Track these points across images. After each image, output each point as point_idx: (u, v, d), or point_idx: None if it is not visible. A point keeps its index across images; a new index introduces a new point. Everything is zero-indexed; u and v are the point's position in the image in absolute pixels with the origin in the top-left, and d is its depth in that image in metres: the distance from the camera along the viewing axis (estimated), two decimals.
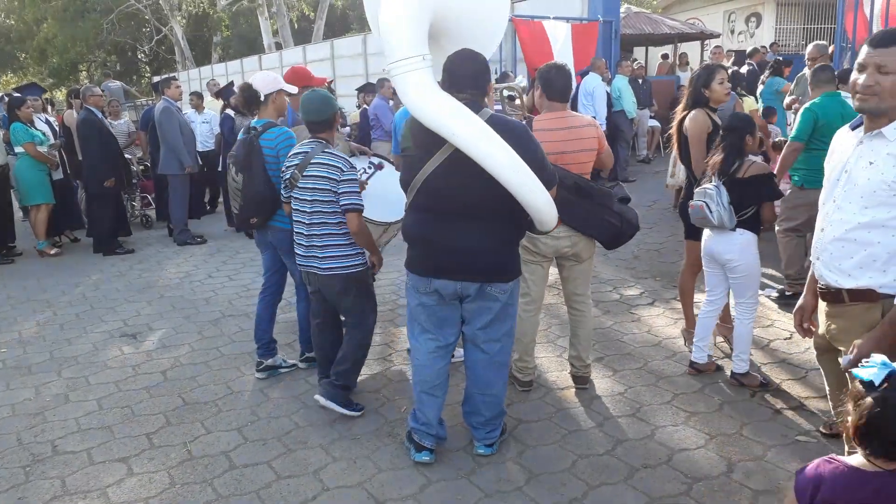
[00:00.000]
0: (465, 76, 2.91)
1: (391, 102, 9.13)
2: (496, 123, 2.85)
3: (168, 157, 7.80)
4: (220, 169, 8.68)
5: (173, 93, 7.95)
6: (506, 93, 4.40)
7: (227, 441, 3.42)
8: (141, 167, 9.24)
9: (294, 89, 4.28)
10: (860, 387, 1.64)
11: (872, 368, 1.63)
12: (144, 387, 4.10)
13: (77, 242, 8.32)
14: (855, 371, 1.66)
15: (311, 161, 3.45)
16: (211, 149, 9.08)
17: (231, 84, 10.39)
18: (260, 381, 4.09)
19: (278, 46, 22.58)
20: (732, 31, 17.91)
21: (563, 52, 9.53)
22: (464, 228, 2.90)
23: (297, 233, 3.58)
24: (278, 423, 3.59)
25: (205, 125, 9.06)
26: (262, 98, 4.01)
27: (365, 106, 10.00)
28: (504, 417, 3.29)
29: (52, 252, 7.64)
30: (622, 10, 12.61)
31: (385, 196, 4.26)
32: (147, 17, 28.59)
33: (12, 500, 3.01)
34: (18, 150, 7.39)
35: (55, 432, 3.59)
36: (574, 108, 9.55)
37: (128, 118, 10.27)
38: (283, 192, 3.66)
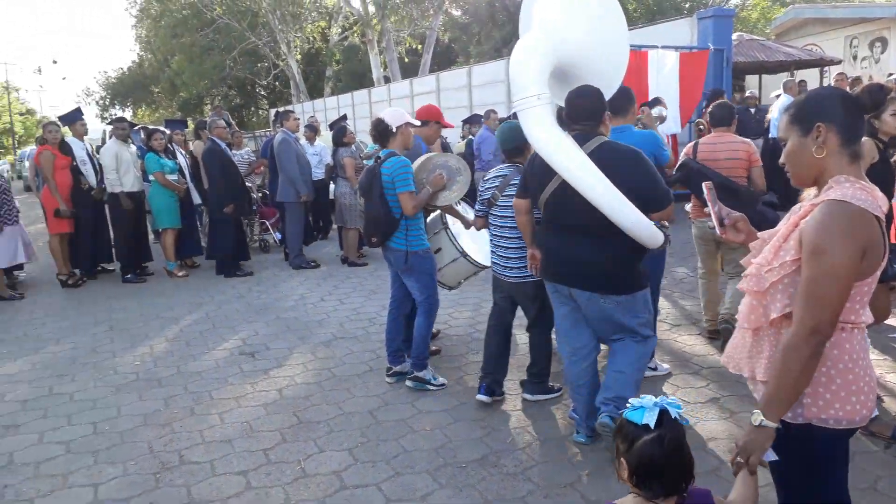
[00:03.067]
0: (579, 110, 3.33)
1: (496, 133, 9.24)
2: (609, 150, 3.23)
3: (285, 186, 8.24)
4: (331, 198, 9.05)
5: (291, 125, 8.43)
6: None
7: (339, 461, 3.54)
8: (260, 195, 9.78)
9: (417, 122, 4.66)
10: (631, 429, 1.61)
11: (644, 410, 1.60)
12: (262, 403, 4.32)
13: (196, 267, 8.78)
14: (626, 414, 1.64)
15: (510, 183, 3.89)
16: (320, 178, 9.47)
17: (343, 117, 10.85)
18: (368, 404, 4.22)
19: (387, 80, 23.37)
20: (855, 58, 16.96)
21: (668, 80, 9.36)
22: (579, 241, 3.28)
23: (495, 245, 4.05)
24: (386, 446, 3.69)
25: (314, 157, 9.47)
26: (394, 130, 4.32)
27: (470, 137, 10.20)
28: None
29: (181, 273, 8.19)
30: (734, 37, 12.25)
31: (483, 237, 4.51)
32: (265, 54, 30.38)
33: None
34: (151, 177, 8.03)
35: (182, 443, 3.83)
36: (765, 127, 10.06)
37: (248, 148, 10.91)
38: (477, 208, 4.13)
